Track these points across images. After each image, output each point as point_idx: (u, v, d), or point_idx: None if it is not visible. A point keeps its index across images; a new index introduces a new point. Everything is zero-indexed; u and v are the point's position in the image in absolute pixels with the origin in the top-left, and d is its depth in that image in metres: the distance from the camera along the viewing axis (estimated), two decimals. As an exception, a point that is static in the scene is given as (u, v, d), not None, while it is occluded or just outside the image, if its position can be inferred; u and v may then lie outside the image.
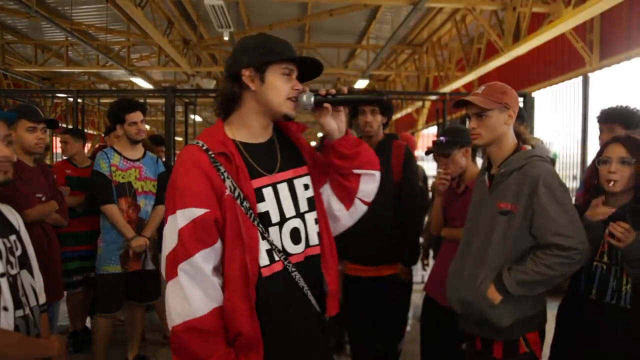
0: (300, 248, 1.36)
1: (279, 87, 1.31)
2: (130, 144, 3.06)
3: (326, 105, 1.36)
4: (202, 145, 1.30)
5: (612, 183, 1.80)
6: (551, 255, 1.68)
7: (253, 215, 1.28)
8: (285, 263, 1.31)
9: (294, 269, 1.32)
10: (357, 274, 2.72)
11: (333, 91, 1.36)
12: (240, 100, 1.34)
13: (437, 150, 2.46)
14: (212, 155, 1.28)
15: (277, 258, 1.30)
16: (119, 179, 2.98)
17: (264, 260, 1.29)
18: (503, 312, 1.74)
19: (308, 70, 1.40)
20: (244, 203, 1.27)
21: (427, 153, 2.67)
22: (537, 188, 1.70)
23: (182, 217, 1.24)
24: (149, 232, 3.00)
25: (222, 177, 1.27)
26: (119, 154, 3.03)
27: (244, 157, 1.32)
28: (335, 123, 1.38)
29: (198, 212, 1.24)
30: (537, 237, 1.74)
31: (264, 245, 1.29)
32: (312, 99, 1.34)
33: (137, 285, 3.05)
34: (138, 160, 3.08)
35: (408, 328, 2.87)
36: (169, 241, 1.26)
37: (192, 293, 1.22)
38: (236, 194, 1.27)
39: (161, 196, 3.11)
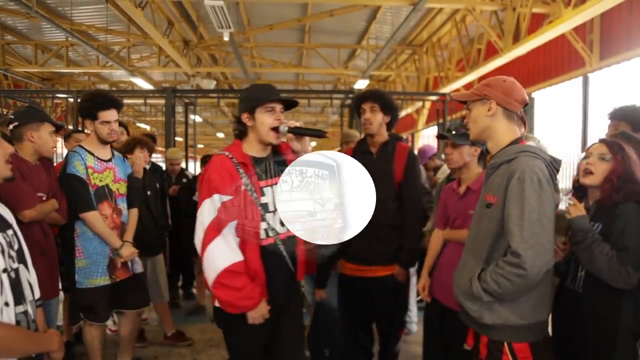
0: (285, 229, 1.97)
1: (264, 122, 1.95)
2: (101, 143, 2.78)
3: (289, 135, 2.01)
4: (229, 155, 1.95)
5: (588, 172, 1.89)
6: (506, 264, 1.58)
7: (259, 202, 1.93)
8: (276, 238, 1.97)
9: (280, 243, 1.98)
10: (353, 274, 2.73)
11: (293, 123, 1.96)
12: (247, 131, 2.01)
13: (451, 137, 2.44)
14: (235, 162, 1.93)
15: (270, 234, 1.96)
16: (97, 181, 2.71)
17: (262, 234, 1.94)
18: (484, 311, 1.68)
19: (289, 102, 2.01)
20: (254, 195, 1.92)
21: (440, 137, 2.73)
22: (510, 181, 1.61)
23: (218, 199, 1.86)
24: (131, 236, 2.82)
25: (242, 176, 1.92)
26: (91, 153, 2.74)
27: (254, 165, 1.96)
28: (299, 144, 2.04)
29: (225, 197, 1.87)
30: None
31: (263, 225, 1.94)
32: (285, 129, 1.97)
33: (125, 294, 2.86)
34: (110, 160, 2.83)
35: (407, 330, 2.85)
36: (209, 212, 1.85)
37: (232, 245, 1.86)
38: (249, 188, 1.92)
39: (132, 198, 2.92)
